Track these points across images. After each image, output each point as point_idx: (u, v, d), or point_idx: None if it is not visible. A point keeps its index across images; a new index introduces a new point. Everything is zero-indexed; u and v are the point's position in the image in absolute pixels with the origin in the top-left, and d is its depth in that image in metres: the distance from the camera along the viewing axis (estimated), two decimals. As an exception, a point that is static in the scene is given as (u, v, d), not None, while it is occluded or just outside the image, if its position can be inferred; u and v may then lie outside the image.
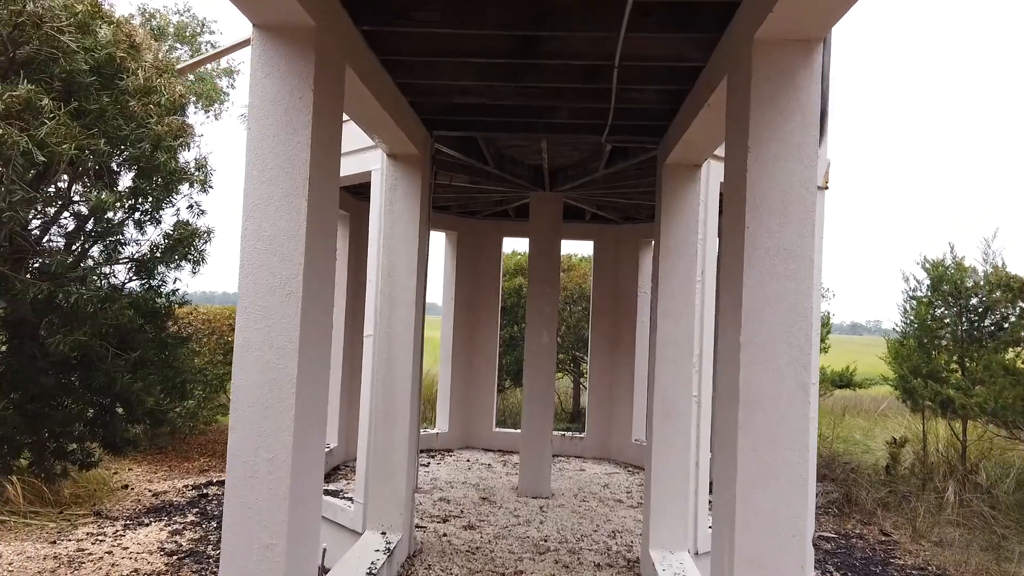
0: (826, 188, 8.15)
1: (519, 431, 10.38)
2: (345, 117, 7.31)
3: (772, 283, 3.28)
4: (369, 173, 6.69)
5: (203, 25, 18.88)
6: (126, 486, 9.65)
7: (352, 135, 6.88)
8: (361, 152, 6.78)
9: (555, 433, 11.41)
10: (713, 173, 6.32)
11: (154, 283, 6.76)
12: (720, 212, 5.18)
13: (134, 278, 6.46)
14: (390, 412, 6.04)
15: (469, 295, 11.69)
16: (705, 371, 6.19)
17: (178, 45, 19.48)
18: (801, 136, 3.32)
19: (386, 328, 6.07)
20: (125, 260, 6.38)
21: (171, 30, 18.92)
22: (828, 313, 15.99)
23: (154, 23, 18.14)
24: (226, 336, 11.85)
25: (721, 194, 6.57)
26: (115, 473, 10.47)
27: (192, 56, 19.61)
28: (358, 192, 9.81)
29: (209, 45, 19.22)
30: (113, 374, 6.52)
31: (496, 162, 7.86)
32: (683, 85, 5.01)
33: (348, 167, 7.04)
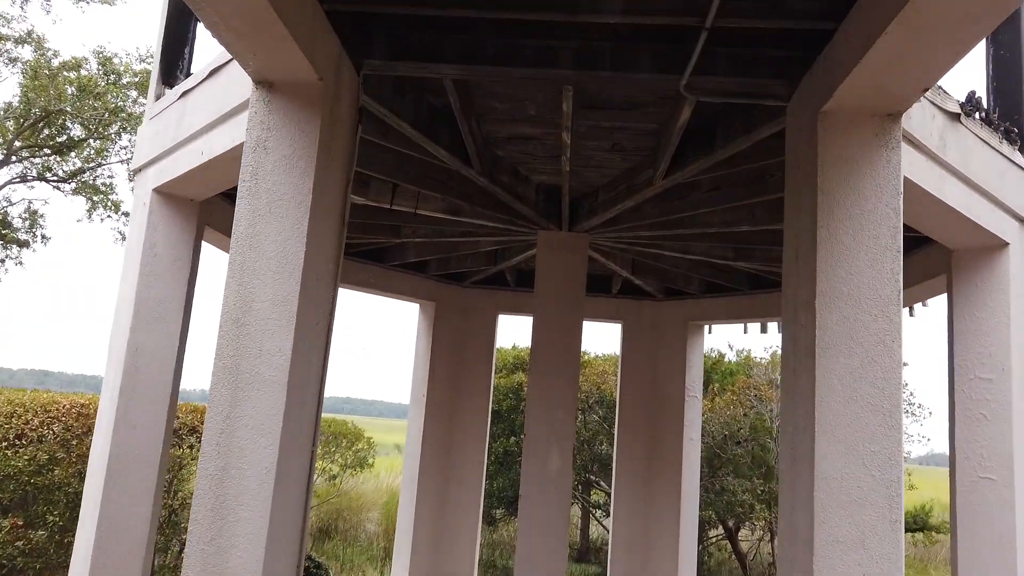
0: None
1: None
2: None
3: None
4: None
5: (168, 73, 16.45)
6: None
7: (224, 89, 3.87)
8: (237, 115, 3.73)
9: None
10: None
11: None
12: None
13: None
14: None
15: (449, 392, 8.39)
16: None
17: (143, 99, 17.05)
18: None
19: (220, 435, 2.80)
20: None
21: (135, 79, 16.53)
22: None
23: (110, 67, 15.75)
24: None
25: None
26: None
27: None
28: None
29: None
30: None
31: (486, 168, 4.81)
32: None
33: (213, 142, 3.98)
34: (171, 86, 4.87)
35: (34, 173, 17.57)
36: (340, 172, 3.27)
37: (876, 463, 2.67)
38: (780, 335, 9.43)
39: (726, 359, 12.83)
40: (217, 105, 3.97)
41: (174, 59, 5.01)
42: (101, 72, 15.68)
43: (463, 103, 3.89)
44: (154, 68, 5.10)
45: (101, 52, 15.85)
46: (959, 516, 4.23)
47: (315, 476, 3.07)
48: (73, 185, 17.83)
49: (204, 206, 4.92)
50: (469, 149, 4.42)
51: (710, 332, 8.41)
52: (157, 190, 4.66)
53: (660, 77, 3.32)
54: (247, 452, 2.79)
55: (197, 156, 4.17)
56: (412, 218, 6.11)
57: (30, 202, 17.30)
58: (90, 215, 18.07)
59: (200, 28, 5.23)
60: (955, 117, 3.78)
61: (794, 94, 3.21)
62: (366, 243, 7.12)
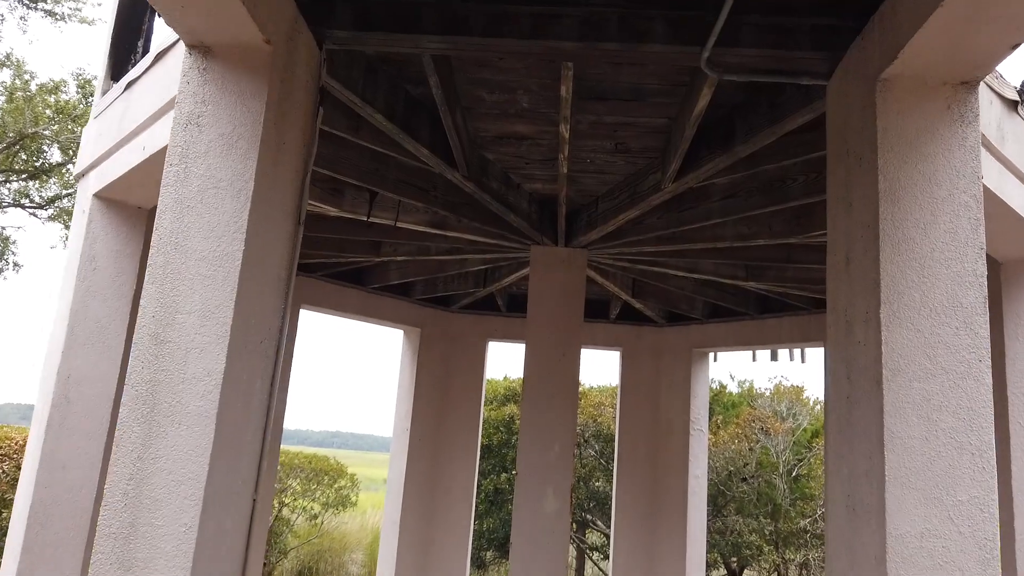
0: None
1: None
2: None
3: None
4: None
5: (149, 95, 15.97)
6: None
7: (170, 74, 3.34)
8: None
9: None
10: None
11: None
12: None
13: None
14: None
15: (435, 424, 7.78)
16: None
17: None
18: None
19: (129, 482, 2.21)
20: None
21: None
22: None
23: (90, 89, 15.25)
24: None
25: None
26: None
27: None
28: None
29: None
30: None
31: (473, 172, 4.27)
32: None
33: (155, 135, 3.44)
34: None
35: (9, 199, 16.97)
36: (294, 161, 2.72)
37: (965, 517, 2.10)
38: (786, 360, 8.83)
39: (728, 390, 12.24)
40: (162, 93, 3.43)
41: (125, 52, 4.50)
42: (80, 95, 15.17)
43: (446, 89, 3.36)
44: (103, 62, 4.57)
45: (80, 74, 15.36)
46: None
47: (265, 523, 2.51)
48: (50, 212, 17.23)
49: (153, 215, 4.35)
50: (453, 147, 3.89)
51: (715, 360, 7.85)
52: (98, 195, 4.10)
53: (676, 50, 2.80)
54: (163, 504, 2.19)
55: (139, 153, 3.63)
56: (393, 232, 5.57)
57: (3, 229, 16.67)
58: (65, 243, 17.45)
59: (158, 21, 4.73)
60: (1013, 105, 3.28)
61: (837, 68, 2.70)
62: (344, 262, 6.56)
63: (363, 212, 4.99)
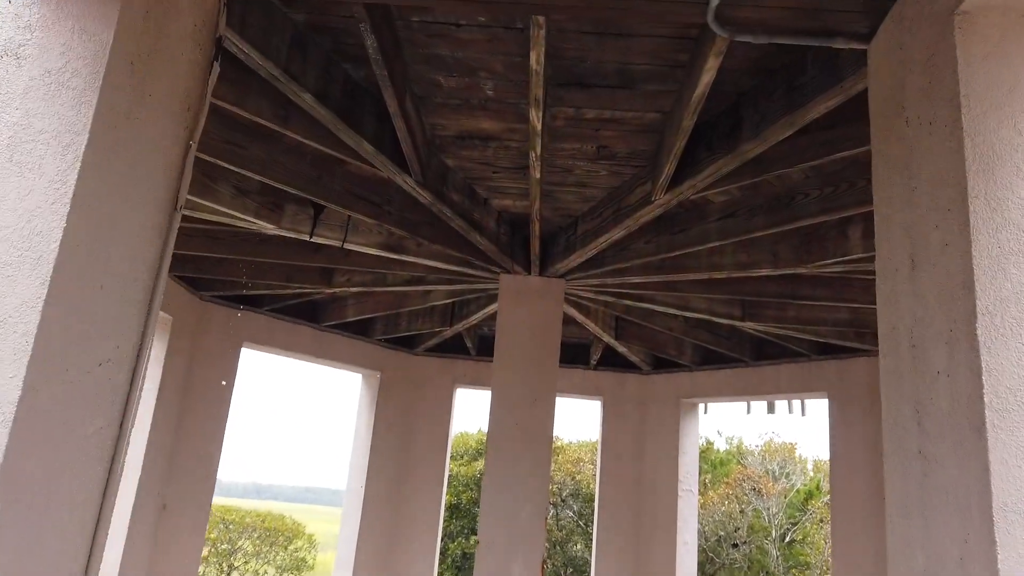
0: None
1: None
2: None
3: None
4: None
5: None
6: None
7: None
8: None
9: None
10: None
11: None
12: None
13: None
14: None
15: (394, 479, 6.96)
16: None
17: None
18: None
19: None
20: None
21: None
22: None
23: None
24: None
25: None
26: None
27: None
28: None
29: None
30: None
31: (430, 179, 3.61)
32: None
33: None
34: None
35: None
36: (168, 124, 2.03)
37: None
38: (784, 413, 8.12)
39: (715, 447, 11.48)
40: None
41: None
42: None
43: (388, 60, 2.71)
44: None
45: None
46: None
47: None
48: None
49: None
50: (402, 140, 3.22)
51: (705, 412, 7.14)
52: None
53: (677, -2, 2.18)
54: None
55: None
56: (345, 258, 4.88)
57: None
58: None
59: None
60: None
61: (891, 10, 2.08)
62: (291, 293, 5.84)
63: (306, 231, 4.31)
